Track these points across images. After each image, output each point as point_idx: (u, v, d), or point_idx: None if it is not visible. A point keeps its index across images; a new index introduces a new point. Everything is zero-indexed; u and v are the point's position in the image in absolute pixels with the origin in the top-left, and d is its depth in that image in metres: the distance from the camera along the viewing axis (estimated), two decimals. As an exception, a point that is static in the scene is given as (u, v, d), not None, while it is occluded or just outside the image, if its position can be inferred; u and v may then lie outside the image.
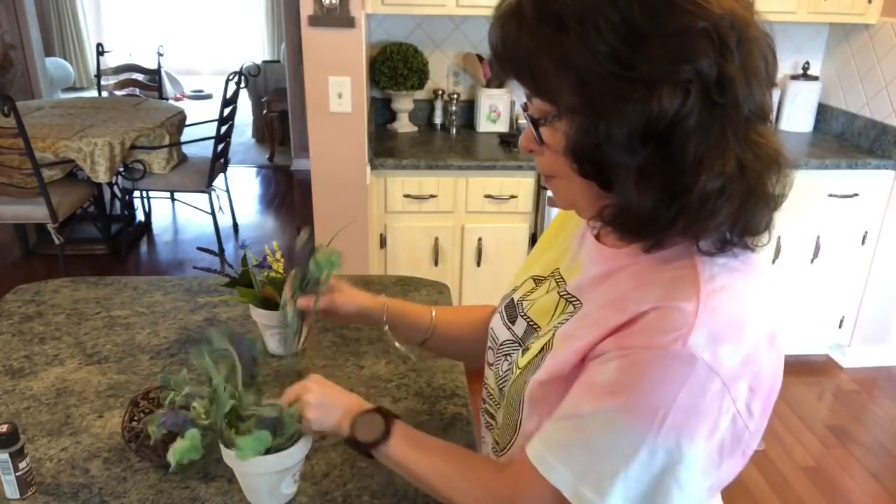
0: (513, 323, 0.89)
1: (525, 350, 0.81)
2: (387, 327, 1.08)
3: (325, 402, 0.88)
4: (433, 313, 1.09)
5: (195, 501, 0.96)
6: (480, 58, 2.97)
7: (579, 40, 0.61)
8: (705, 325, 0.62)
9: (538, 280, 0.90)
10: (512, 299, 0.92)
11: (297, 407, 0.94)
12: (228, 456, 0.89)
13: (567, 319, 0.76)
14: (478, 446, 1.10)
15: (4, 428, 0.93)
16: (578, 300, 0.78)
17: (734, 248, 0.67)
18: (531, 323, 0.85)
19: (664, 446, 0.63)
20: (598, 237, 0.81)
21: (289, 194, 5.32)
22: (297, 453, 0.91)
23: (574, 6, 0.62)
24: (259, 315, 1.26)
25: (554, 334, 0.76)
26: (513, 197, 2.64)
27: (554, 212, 2.62)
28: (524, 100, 0.72)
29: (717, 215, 0.64)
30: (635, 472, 0.64)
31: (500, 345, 0.89)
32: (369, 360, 1.31)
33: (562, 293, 0.82)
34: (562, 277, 0.85)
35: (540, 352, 0.77)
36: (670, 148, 0.62)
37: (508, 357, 0.86)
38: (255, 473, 0.92)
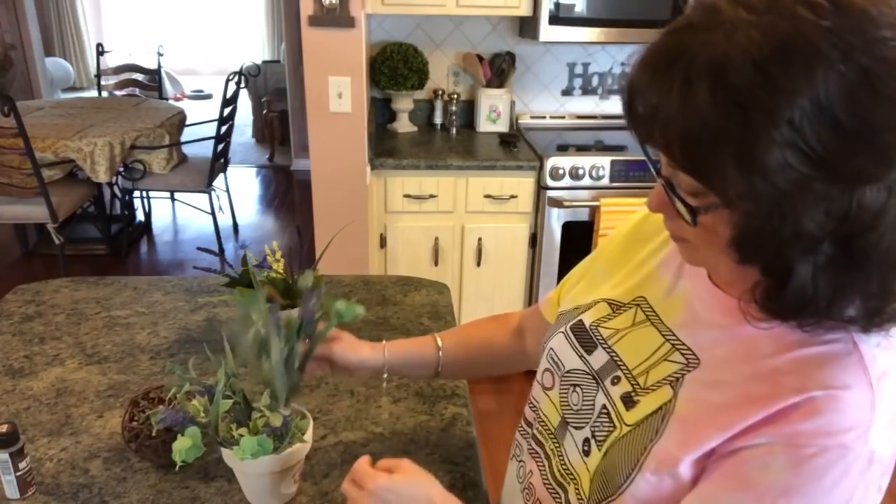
0: (588, 353, 0.79)
1: (628, 402, 0.72)
2: (385, 376, 1.01)
3: None
4: (439, 342, 1.03)
5: (195, 501, 0.96)
6: (480, 58, 2.97)
7: (767, 136, 0.51)
8: (881, 418, 0.58)
9: (616, 306, 0.80)
10: (582, 322, 0.82)
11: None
12: (228, 456, 0.90)
13: (681, 372, 0.68)
14: (479, 448, 1.10)
15: (4, 428, 0.93)
16: (691, 351, 0.69)
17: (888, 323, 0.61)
18: (616, 359, 0.76)
19: None
20: (710, 276, 0.71)
21: (289, 194, 5.32)
22: (296, 453, 0.92)
23: (761, 96, 0.51)
24: (259, 315, 1.26)
25: (676, 396, 0.67)
26: (513, 197, 2.64)
27: (555, 212, 2.62)
28: (650, 151, 0.62)
29: None
30: None
31: (567, 372, 0.81)
32: (369, 360, 1.31)
33: (666, 335, 0.73)
34: (654, 312, 0.76)
35: (657, 411, 0.68)
36: (858, 245, 0.55)
37: (579, 389, 0.78)
38: (255, 473, 0.92)
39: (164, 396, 1.01)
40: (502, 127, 3.01)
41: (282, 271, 1.27)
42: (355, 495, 0.76)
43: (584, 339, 0.80)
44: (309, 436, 0.93)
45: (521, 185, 2.63)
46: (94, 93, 6.01)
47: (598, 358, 0.77)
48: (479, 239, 2.69)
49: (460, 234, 2.70)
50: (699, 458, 0.64)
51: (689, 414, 0.66)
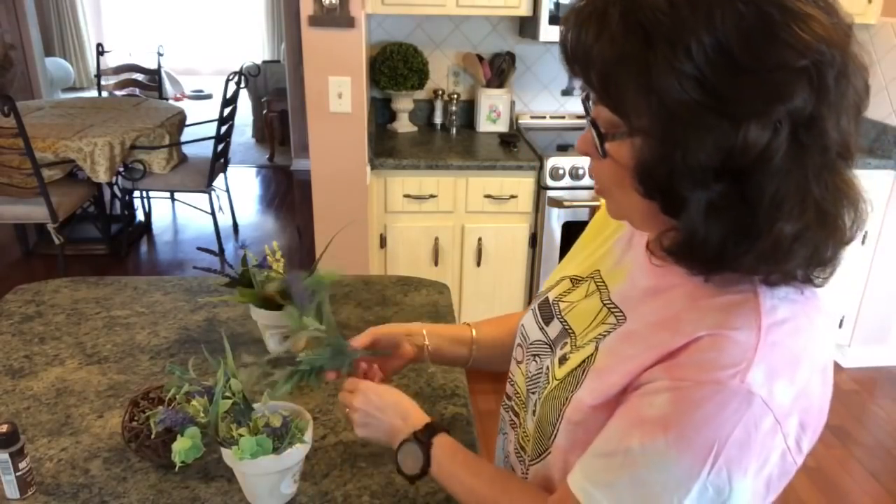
0: (547, 324, 0.85)
1: (562, 360, 0.77)
2: (426, 343, 1.02)
3: (372, 422, 0.89)
4: (473, 333, 1.05)
5: (195, 501, 0.96)
6: (480, 58, 2.97)
7: (666, 61, 0.56)
8: (764, 360, 0.60)
9: (576, 280, 0.86)
10: (547, 298, 0.88)
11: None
12: (228, 456, 0.90)
13: (609, 331, 0.73)
14: (478, 446, 1.10)
15: (4, 428, 0.93)
16: (622, 312, 0.74)
17: (798, 281, 0.64)
18: (566, 327, 0.81)
19: (715, 483, 0.61)
20: (648, 247, 0.76)
21: (289, 194, 5.32)
22: (296, 454, 0.92)
23: (666, 23, 0.56)
24: (259, 315, 1.26)
25: (597, 348, 0.72)
26: (513, 197, 2.64)
27: (555, 212, 2.63)
28: (584, 92, 0.67)
29: (790, 261, 0.61)
30: None
31: (530, 344, 0.87)
32: (369, 360, 1.31)
33: (605, 301, 0.78)
34: (603, 282, 0.81)
35: (580, 365, 0.73)
36: (747, 186, 0.58)
37: (537, 359, 0.84)
38: (254, 473, 0.92)
39: (164, 396, 1.01)
40: (502, 127, 3.01)
41: (282, 271, 1.27)
42: (348, 399, 0.91)
43: (546, 312, 0.86)
44: (309, 436, 0.93)
45: (521, 185, 2.63)
46: (94, 93, 6.01)
47: (554, 328, 0.83)
48: (479, 239, 2.69)
49: (460, 234, 2.70)
50: (605, 403, 0.68)
51: (603, 365, 0.70)
